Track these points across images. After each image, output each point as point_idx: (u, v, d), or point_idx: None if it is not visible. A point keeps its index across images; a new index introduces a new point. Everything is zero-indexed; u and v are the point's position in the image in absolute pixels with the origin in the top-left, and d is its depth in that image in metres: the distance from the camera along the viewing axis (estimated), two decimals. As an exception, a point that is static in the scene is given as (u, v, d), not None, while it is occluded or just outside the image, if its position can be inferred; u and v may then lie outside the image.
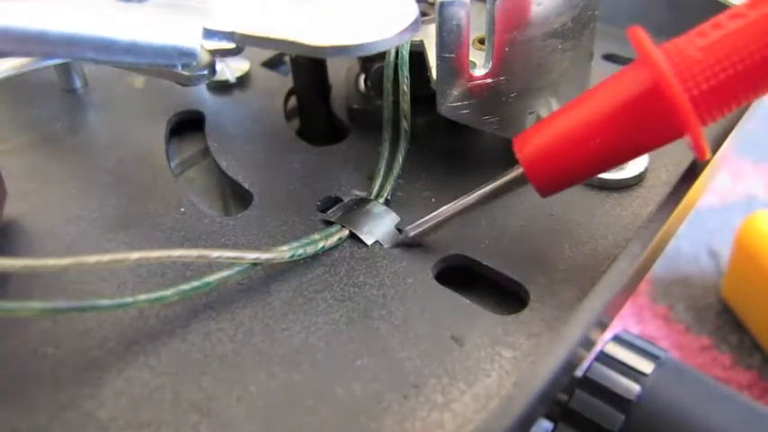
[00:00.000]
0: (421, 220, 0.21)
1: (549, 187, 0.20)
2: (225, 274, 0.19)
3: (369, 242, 0.22)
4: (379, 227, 0.22)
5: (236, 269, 0.20)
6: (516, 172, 0.20)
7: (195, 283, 0.19)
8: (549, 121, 0.19)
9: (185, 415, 0.17)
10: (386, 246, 0.22)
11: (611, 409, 0.25)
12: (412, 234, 0.22)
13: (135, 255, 0.18)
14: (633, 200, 0.23)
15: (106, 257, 0.17)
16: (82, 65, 0.29)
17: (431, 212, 0.22)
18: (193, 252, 0.19)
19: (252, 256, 0.20)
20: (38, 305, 0.17)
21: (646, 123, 0.18)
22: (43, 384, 0.18)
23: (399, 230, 0.22)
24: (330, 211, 0.23)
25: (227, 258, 0.19)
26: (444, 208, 0.21)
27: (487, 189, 0.20)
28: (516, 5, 0.20)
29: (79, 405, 0.17)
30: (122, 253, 0.18)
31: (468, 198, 0.21)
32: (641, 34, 0.18)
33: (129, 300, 0.18)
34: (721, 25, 0.17)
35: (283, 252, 0.20)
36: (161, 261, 0.20)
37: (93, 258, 0.17)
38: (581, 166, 0.19)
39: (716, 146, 0.22)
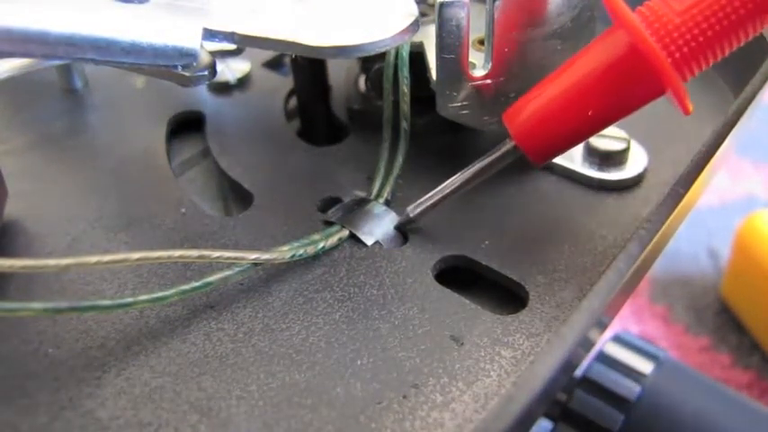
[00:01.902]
0: (420, 200, 0.22)
1: (540, 156, 0.20)
2: (225, 274, 0.19)
3: (369, 242, 0.22)
4: (379, 227, 0.22)
5: (237, 269, 0.20)
6: (508, 145, 0.20)
7: (195, 284, 0.19)
8: (536, 92, 0.20)
9: (185, 415, 0.17)
10: (386, 246, 0.22)
11: (611, 408, 0.25)
12: (413, 214, 0.22)
13: (136, 255, 0.18)
14: (633, 200, 0.23)
15: (107, 258, 0.17)
16: (82, 65, 0.29)
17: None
18: (194, 252, 0.19)
19: (252, 256, 0.20)
20: (39, 305, 0.17)
21: (629, 85, 0.19)
22: (43, 384, 0.18)
23: (401, 231, 0.22)
24: (330, 211, 0.23)
25: (228, 259, 0.19)
26: (442, 186, 0.22)
27: (481, 164, 0.21)
28: (519, 5, 0.21)
29: (79, 405, 0.17)
30: (123, 253, 0.18)
31: (465, 174, 0.21)
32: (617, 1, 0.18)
33: (130, 300, 0.18)
34: None
35: (284, 252, 0.20)
36: (162, 261, 0.20)
37: (93, 258, 0.17)
38: (570, 132, 0.20)
39: (716, 146, 0.22)
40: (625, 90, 0.19)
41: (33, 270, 0.17)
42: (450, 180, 0.21)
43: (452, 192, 0.21)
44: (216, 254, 0.19)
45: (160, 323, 0.19)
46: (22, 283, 0.21)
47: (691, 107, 0.19)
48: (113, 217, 0.23)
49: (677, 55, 0.18)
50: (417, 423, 0.17)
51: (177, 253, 0.19)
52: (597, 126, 0.20)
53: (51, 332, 0.19)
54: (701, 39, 0.18)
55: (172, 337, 0.19)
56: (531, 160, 0.20)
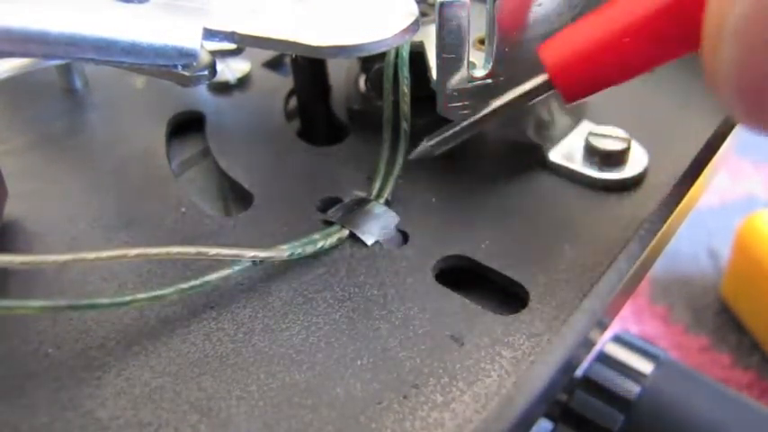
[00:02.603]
0: (440, 131, 0.22)
1: (575, 92, 0.20)
2: (224, 272, 0.19)
3: (369, 242, 0.22)
4: (380, 227, 0.22)
5: (236, 268, 0.20)
6: (541, 78, 0.20)
7: (194, 282, 0.19)
8: (578, 27, 0.19)
9: (185, 415, 0.17)
10: (386, 246, 0.22)
11: (611, 409, 0.25)
12: (430, 144, 0.22)
13: (134, 251, 0.18)
14: (633, 200, 0.23)
15: (105, 254, 0.18)
16: (82, 65, 0.29)
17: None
18: (192, 249, 0.19)
19: (250, 253, 0.20)
20: (37, 303, 0.17)
21: (677, 23, 0.18)
22: (43, 384, 0.18)
23: (401, 231, 0.22)
24: (330, 211, 0.23)
25: (226, 255, 0.19)
26: (464, 121, 0.21)
27: (511, 96, 0.21)
28: (517, 5, 0.20)
29: (79, 405, 0.17)
30: (121, 249, 0.18)
31: (489, 108, 0.21)
32: None
33: (128, 298, 0.18)
34: None
35: (282, 251, 0.20)
36: (160, 257, 0.20)
37: (91, 254, 0.17)
38: (610, 69, 0.19)
39: (716, 146, 0.22)
40: (673, 30, 0.18)
41: (32, 265, 0.17)
42: (471, 117, 0.21)
43: (473, 125, 0.21)
44: (214, 251, 0.19)
45: (160, 323, 0.19)
46: (22, 283, 0.21)
47: None
48: (113, 217, 0.23)
49: None
50: (417, 423, 0.17)
51: (175, 249, 0.19)
52: (637, 67, 0.19)
53: (51, 332, 0.19)
54: None
55: (172, 337, 0.19)
56: (563, 96, 0.20)
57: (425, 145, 0.22)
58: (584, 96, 0.20)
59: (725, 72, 0.16)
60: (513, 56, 0.21)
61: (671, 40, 0.18)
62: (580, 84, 0.20)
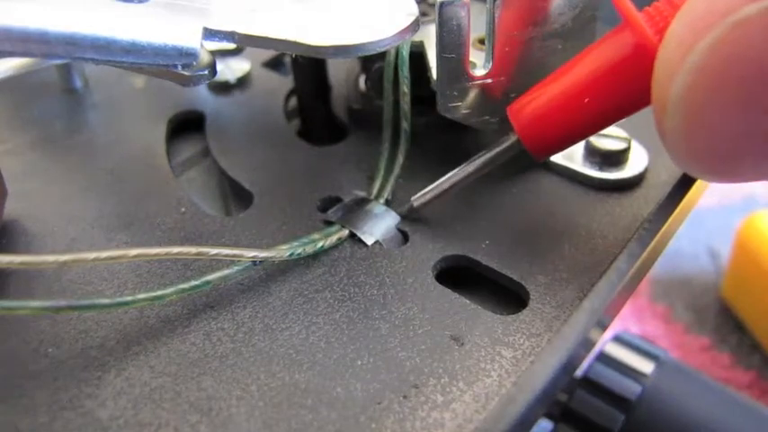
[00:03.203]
0: (424, 191, 0.22)
1: (541, 151, 0.21)
2: (225, 273, 0.19)
3: (369, 242, 0.22)
4: (380, 227, 0.22)
5: (236, 268, 0.20)
6: (511, 139, 0.21)
7: (195, 282, 0.19)
8: (541, 87, 0.20)
9: (185, 415, 0.17)
10: (386, 246, 0.22)
11: (611, 408, 0.25)
12: (416, 204, 0.22)
13: (134, 251, 0.18)
14: (633, 200, 0.23)
15: (105, 254, 0.17)
16: (82, 65, 0.29)
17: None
18: (192, 249, 0.19)
19: (250, 254, 0.20)
20: (38, 303, 0.17)
21: (631, 83, 0.19)
22: (43, 384, 0.18)
23: (401, 231, 0.22)
24: (330, 211, 0.23)
25: (226, 256, 0.19)
26: (446, 177, 0.22)
27: (484, 158, 0.22)
28: (521, 4, 0.21)
29: (79, 405, 0.17)
30: (121, 249, 0.18)
31: (467, 167, 0.22)
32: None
33: (129, 299, 0.18)
34: None
35: (282, 251, 0.20)
36: (160, 258, 0.20)
37: (91, 255, 0.17)
38: (570, 128, 0.20)
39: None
40: (627, 89, 0.19)
41: (32, 266, 0.17)
42: (452, 172, 0.22)
43: (455, 184, 0.22)
44: (214, 251, 0.19)
45: (160, 323, 0.19)
46: (23, 283, 0.21)
47: None
48: (113, 217, 0.23)
49: None
50: (418, 423, 0.17)
51: (175, 249, 0.19)
52: (598, 124, 0.20)
53: (51, 332, 0.19)
54: None
55: (172, 337, 0.19)
56: (533, 155, 0.21)
57: (411, 204, 0.22)
58: (553, 153, 0.21)
59: (672, 139, 0.17)
60: (513, 56, 0.21)
61: (629, 96, 0.19)
62: (548, 143, 0.20)
